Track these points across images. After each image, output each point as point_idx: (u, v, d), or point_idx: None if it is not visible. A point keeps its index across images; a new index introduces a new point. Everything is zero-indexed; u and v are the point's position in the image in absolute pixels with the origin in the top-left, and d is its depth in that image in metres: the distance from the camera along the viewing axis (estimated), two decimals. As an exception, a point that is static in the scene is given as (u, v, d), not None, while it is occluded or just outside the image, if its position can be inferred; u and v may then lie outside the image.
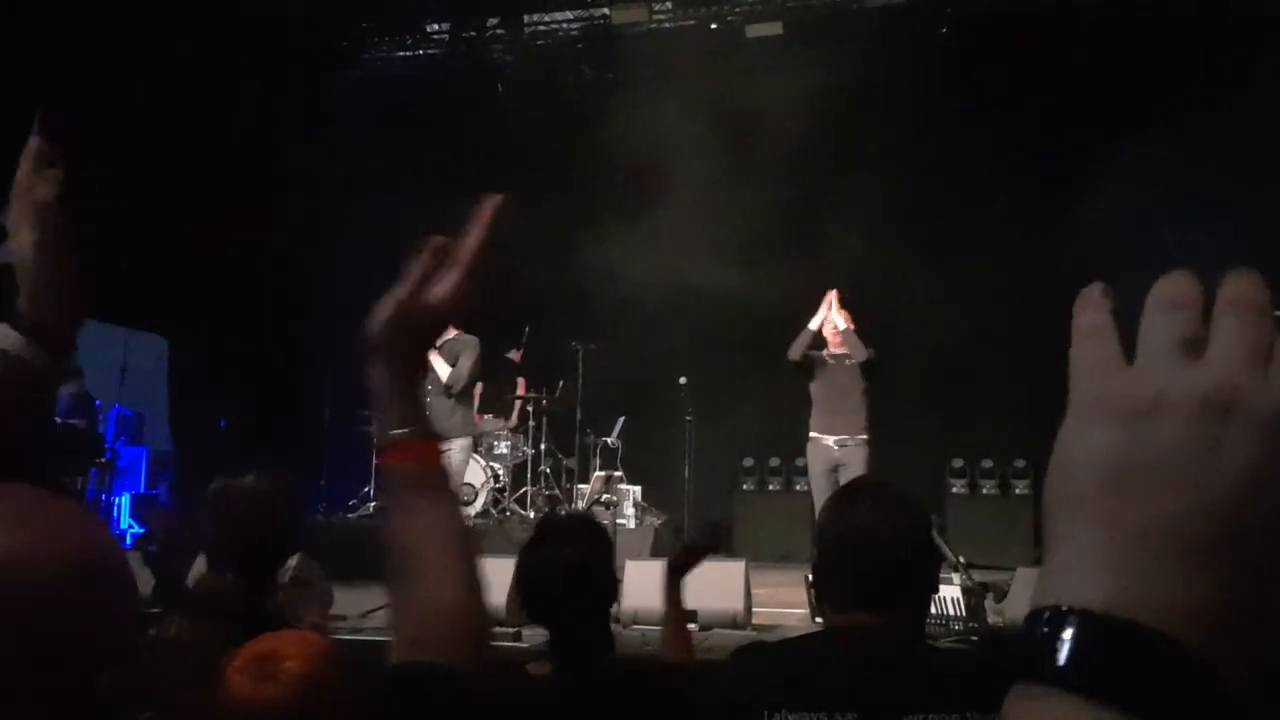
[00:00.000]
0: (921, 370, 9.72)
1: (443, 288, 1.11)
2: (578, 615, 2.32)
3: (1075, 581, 0.45)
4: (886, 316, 9.39)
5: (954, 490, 9.90)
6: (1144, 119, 8.34)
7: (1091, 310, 0.51)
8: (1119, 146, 8.39)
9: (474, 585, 1.08)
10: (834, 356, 7.56)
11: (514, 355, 9.88)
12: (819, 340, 7.65)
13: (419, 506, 1.09)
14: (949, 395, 9.97)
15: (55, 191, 1.28)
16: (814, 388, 7.58)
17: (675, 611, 2.83)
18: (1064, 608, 0.44)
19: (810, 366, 7.56)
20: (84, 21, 8.36)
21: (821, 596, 1.96)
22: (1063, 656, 0.43)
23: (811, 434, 7.57)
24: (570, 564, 2.33)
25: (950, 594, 5.84)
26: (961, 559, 6.41)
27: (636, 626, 5.78)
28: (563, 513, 8.77)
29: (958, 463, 9.95)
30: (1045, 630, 0.44)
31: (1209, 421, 0.45)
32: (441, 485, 1.13)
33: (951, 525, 9.21)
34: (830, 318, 7.59)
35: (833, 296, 7.67)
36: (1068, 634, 0.44)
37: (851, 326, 7.59)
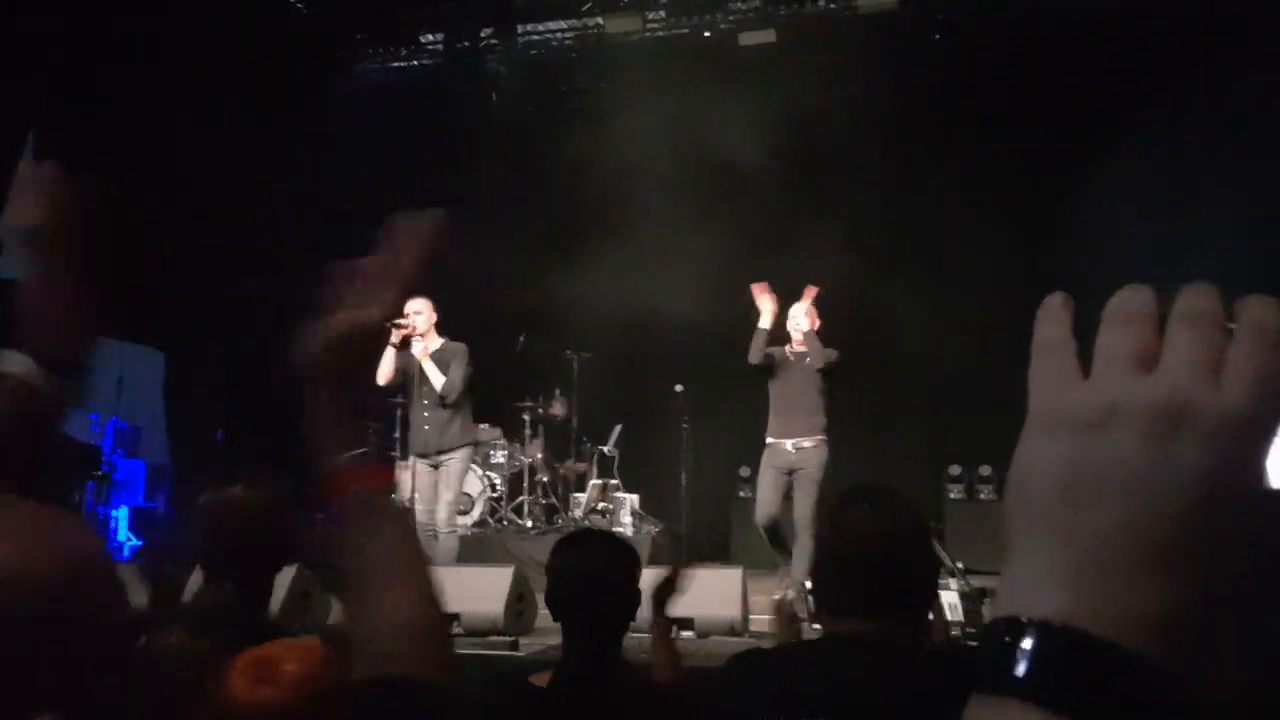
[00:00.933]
0: (919, 377, 9.73)
1: (379, 309, 1.10)
2: (602, 626, 2.35)
3: (1033, 592, 0.46)
4: (882, 323, 9.40)
5: (952, 496, 9.90)
6: (1139, 124, 8.36)
7: (1050, 324, 0.52)
8: (1114, 151, 8.41)
9: (432, 599, 1.08)
10: (795, 354, 7.29)
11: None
12: (782, 336, 7.39)
13: (374, 529, 1.08)
14: (947, 401, 9.97)
15: (63, 215, 1.26)
16: (772, 387, 7.32)
17: (662, 634, 2.89)
18: (1022, 619, 0.45)
19: (771, 364, 7.30)
20: (74, 31, 8.37)
21: (819, 603, 1.96)
22: (1021, 667, 0.44)
23: (768, 439, 7.28)
24: (605, 575, 2.38)
25: (948, 599, 5.83)
26: (959, 564, 6.40)
27: (634, 634, 5.76)
28: (573, 525, 8.78)
29: (955, 469, 9.95)
30: (1004, 641, 0.45)
31: (1159, 432, 0.45)
32: (393, 504, 1.13)
33: (949, 531, 9.20)
34: (795, 316, 7.33)
35: (809, 295, 7.43)
36: (1026, 645, 0.44)
37: (816, 326, 7.31)
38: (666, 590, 2.85)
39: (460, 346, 7.47)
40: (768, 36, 10.82)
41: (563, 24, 11.46)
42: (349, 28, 11.47)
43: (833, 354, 7.22)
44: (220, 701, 1.64)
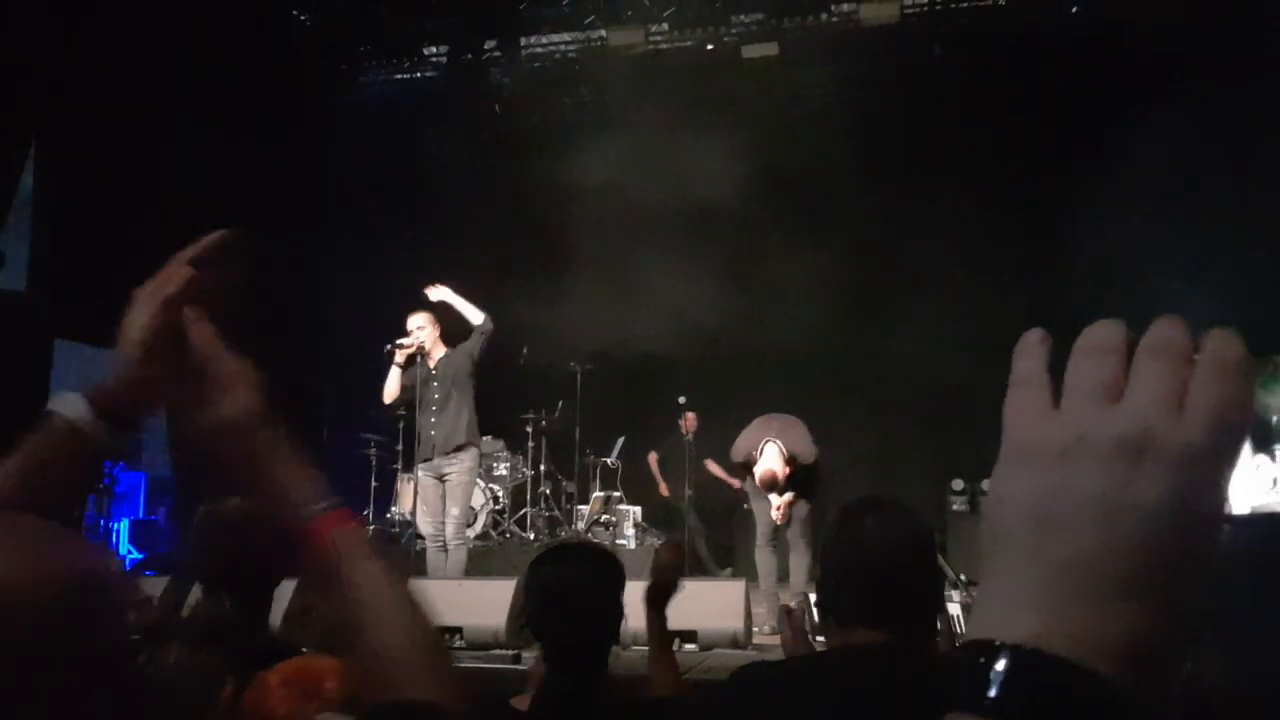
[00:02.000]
0: (923, 391, 9.71)
1: (233, 403, 1.08)
2: (579, 640, 2.30)
3: (1005, 616, 0.48)
4: (885, 337, 9.40)
5: (955, 508, 9.89)
6: (1145, 137, 8.37)
7: (1026, 359, 0.54)
8: (1120, 164, 8.41)
9: (427, 629, 1.08)
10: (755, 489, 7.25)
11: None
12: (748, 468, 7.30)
13: (352, 574, 1.08)
14: (950, 416, 9.95)
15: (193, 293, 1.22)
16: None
17: (658, 639, 2.80)
18: (995, 642, 0.47)
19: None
20: (74, 41, 8.39)
21: (826, 615, 1.94)
22: (994, 689, 0.46)
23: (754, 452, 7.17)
24: (581, 587, 2.33)
25: (952, 611, 5.81)
26: (963, 576, 6.38)
27: (637, 647, 5.74)
28: (575, 537, 8.76)
29: (958, 484, 9.95)
30: (978, 662, 0.47)
31: (1123, 462, 0.47)
32: (366, 544, 1.13)
33: (952, 543, 9.18)
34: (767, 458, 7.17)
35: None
36: (999, 667, 0.46)
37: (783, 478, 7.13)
38: (661, 593, 2.79)
39: (464, 344, 7.49)
40: (770, 50, 10.85)
41: (566, 36, 11.50)
42: (352, 40, 11.50)
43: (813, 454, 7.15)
44: (263, 715, 1.65)
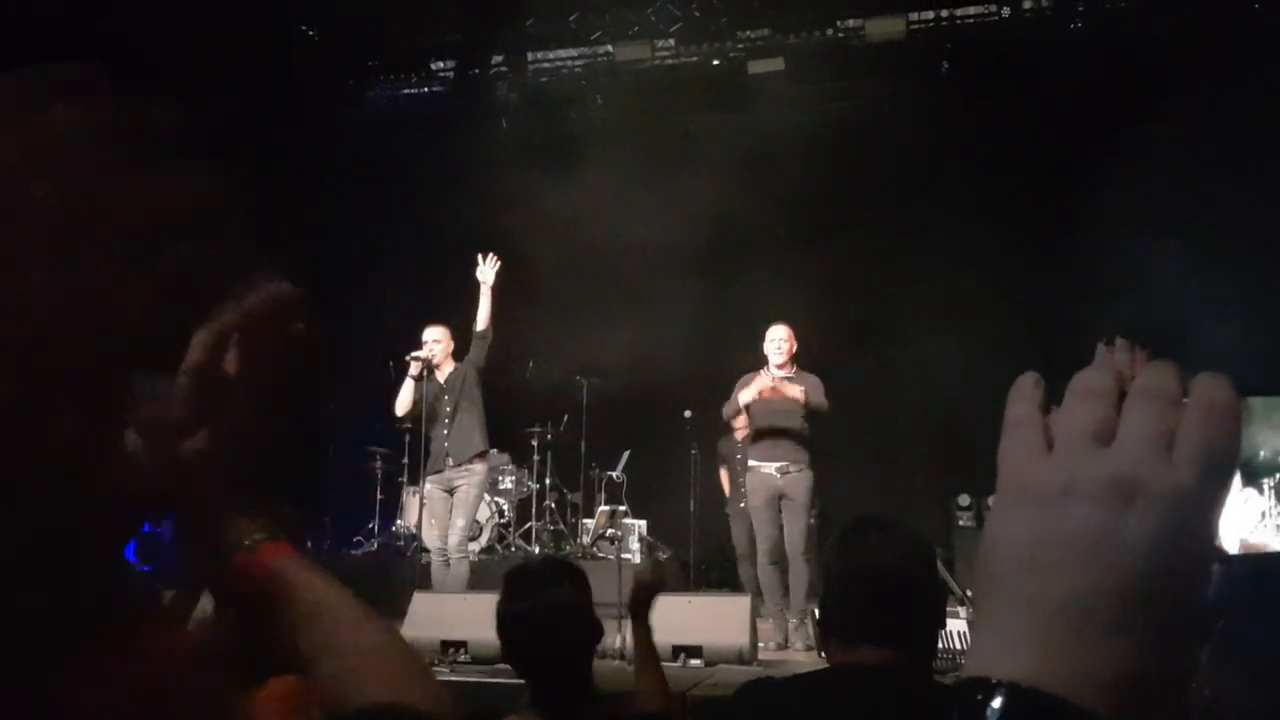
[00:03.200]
0: (929, 406, 9.71)
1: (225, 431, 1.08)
2: (553, 664, 2.29)
3: (1001, 655, 0.48)
4: (891, 351, 9.40)
5: (961, 524, 9.86)
6: (1154, 153, 8.38)
7: (1019, 403, 0.55)
8: (1129, 179, 8.43)
9: (387, 638, 1.08)
10: (774, 378, 7.14)
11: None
12: (761, 359, 7.30)
13: (300, 596, 1.08)
14: (956, 431, 9.94)
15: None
16: (750, 416, 7.19)
17: (644, 652, 2.78)
18: (992, 680, 0.47)
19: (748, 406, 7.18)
20: (79, 55, 8.42)
21: (828, 632, 1.95)
22: None
23: (750, 462, 7.16)
24: (541, 614, 2.30)
25: (956, 628, 5.80)
26: (968, 592, 6.36)
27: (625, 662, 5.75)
28: (537, 558, 8.74)
29: (964, 499, 9.92)
30: (975, 700, 0.47)
31: (1114, 503, 0.48)
32: (308, 568, 1.12)
33: (959, 559, 9.16)
34: (775, 341, 7.21)
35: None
36: (995, 704, 0.47)
37: (794, 350, 7.19)
38: (642, 600, 2.77)
39: (468, 367, 7.48)
40: (776, 65, 10.88)
41: (573, 52, 11.55)
42: (361, 55, 11.56)
43: (823, 404, 7.09)
44: None
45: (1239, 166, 8.76)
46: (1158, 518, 0.47)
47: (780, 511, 7.05)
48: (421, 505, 7.73)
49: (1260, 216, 8.78)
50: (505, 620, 2.38)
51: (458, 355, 7.54)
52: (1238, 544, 8.34)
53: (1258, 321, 8.53)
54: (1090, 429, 0.50)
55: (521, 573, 2.54)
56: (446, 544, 7.35)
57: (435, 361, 7.41)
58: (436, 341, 7.42)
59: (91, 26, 8.43)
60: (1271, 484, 8.71)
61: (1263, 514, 8.68)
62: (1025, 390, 0.55)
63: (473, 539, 9.53)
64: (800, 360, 7.30)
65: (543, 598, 2.36)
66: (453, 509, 7.38)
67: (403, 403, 7.44)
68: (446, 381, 7.47)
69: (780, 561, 7.03)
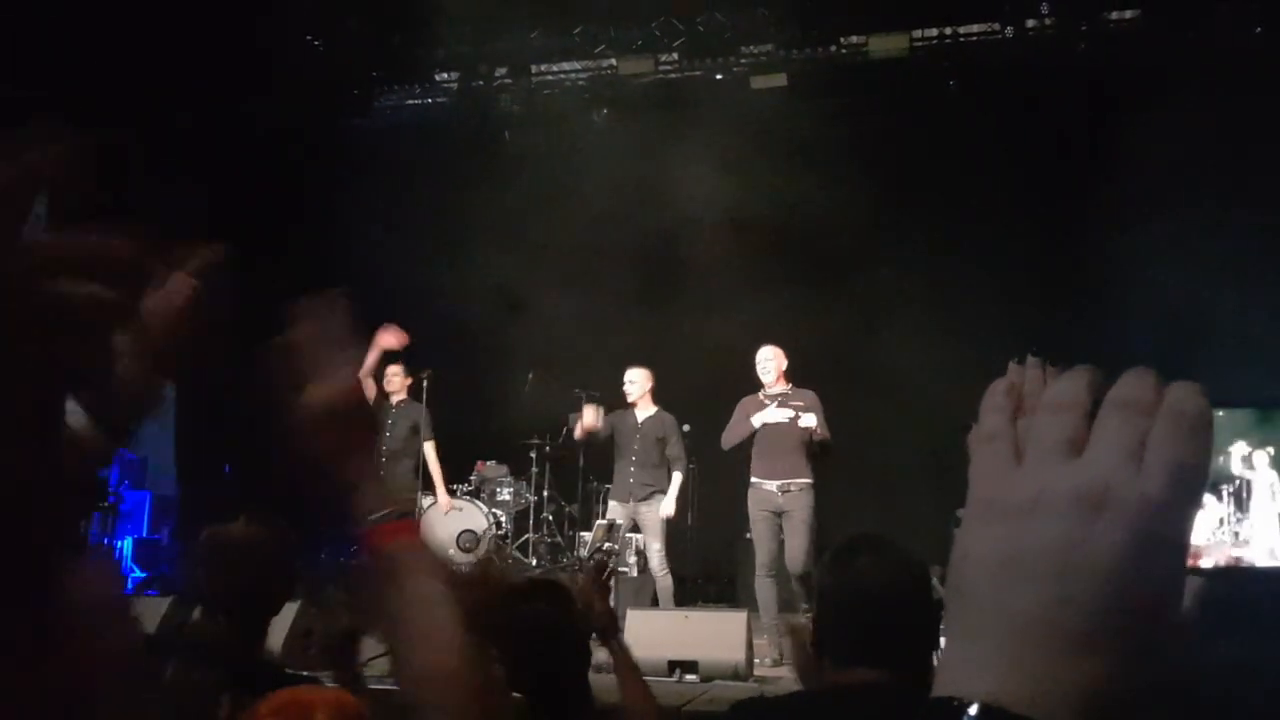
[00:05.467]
0: (927, 420, 9.69)
1: (344, 372, 1.12)
2: (545, 682, 2.29)
3: (969, 672, 0.48)
4: (889, 366, 9.39)
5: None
6: (1159, 171, 8.40)
7: (991, 414, 0.54)
8: (1133, 199, 8.44)
9: (467, 651, 1.08)
10: (770, 398, 7.24)
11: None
12: (756, 381, 7.44)
13: (409, 582, 1.09)
14: (954, 445, 9.91)
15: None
16: (755, 434, 7.26)
17: (624, 668, 2.75)
18: (961, 698, 0.47)
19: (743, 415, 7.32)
20: (86, 67, 8.47)
21: (822, 652, 1.94)
22: None
23: (752, 479, 7.24)
24: (546, 634, 2.30)
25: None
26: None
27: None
28: (525, 577, 8.73)
29: (962, 514, 9.90)
30: (943, 718, 0.47)
31: (1082, 516, 0.47)
32: (424, 560, 1.12)
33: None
34: (763, 363, 7.40)
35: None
36: None
37: (784, 367, 7.38)
38: (602, 623, 2.73)
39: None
40: (779, 81, 10.90)
41: (576, 65, 11.57)
42: (365, 66, 11.59)
43: (823, 424, 7.17)
44: None
45: (1243, 183, 8.76)
46: (1126, 529, 0.47)
47: (780, 528, 7.06)
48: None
49: (1262, 227, 8.79)
50: (494, 637, 2.38)
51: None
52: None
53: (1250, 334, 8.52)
54: (1061, 441, 0.50)
55: (523, 588, 2.56)
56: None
57: (631, 400, 8.18)
58: (632, 383, 8.16)
59: (95, 38, 8.45)
60: (1230, 490, 8.74)
61: (1220, 520, 8.69)
62: (996, 400, 0.55)
63: (469, 550, 9.53)
64: (792, 376, 7.38)
65: (521, 617, 2.35)
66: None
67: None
68: (643, 423, 8.09)
69: (778, 575, 7.02)
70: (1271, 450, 8.74)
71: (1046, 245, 9.80)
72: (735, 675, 5.93)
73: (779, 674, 6.48)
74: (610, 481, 9.88)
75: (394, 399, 8.37)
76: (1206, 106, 8.60)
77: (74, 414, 1.17)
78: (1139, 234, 8.49)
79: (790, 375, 7.39)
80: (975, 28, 10.70)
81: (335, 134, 11.38)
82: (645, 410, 8.14)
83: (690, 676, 5.87)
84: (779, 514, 7.06)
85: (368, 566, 1.11)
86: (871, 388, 9.60)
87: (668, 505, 7.96)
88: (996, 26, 10.57)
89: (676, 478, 8.03)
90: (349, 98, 11.81)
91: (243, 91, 9.67)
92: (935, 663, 2.37)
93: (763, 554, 7.08)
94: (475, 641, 1.09)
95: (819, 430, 7.08)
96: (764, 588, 7.04)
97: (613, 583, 8.27)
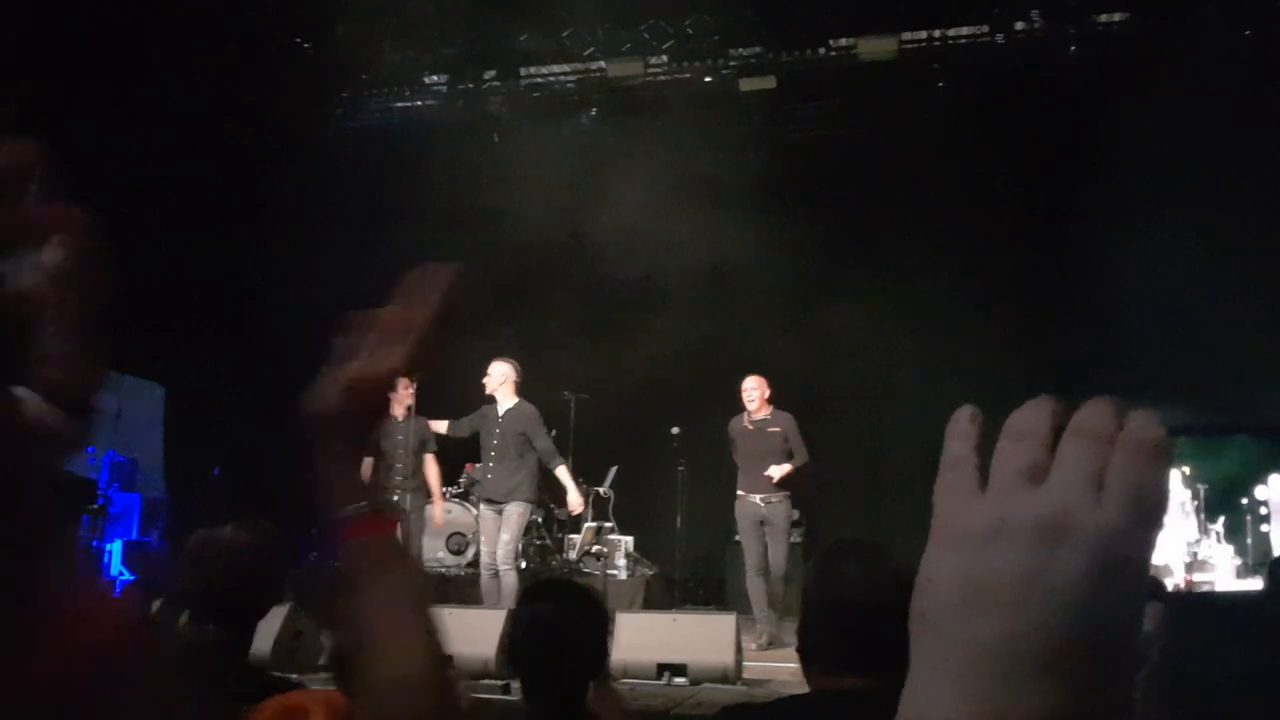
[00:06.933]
0: (919, 430, 9.72)
1: (391, 360, 1.09)
2: (557, 681, 2.30)
3: (932, 699, 0.48)
4: (882, 373, 9.41)
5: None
6: (1150, 177, 8.43)
7: (955, 440, 0.54)
8: (1125, 202, 8.47)
9: (436, 657, 1.07)
10: (754, 423, 7.96)
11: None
12: (739, 405, 8.09)
13: (377, 582, 1.08)
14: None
15: (77, 249, 1.22)
16: (737, 454, 8.05)
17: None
18: None
19: (733, 439, 8.07)
20: (79, 67, 8.44)
21: (808, 659, 1.94)
22: None
23: (738, 492, 7.99)
24: (564, 623, 2.32)
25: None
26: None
27: (626, 680, 5.73)
28: (563, 574, 8.76)
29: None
30: None
31: (1042, 543, 0.48)
32: (400, 557, 1.12)
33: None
34: (748, 391, 8.03)
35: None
36: None
37: (767, 395, 7.99)
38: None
39: (531, 409, 8.00)
40: (768, 83, 10.92)
41: (565, 67, 11.57)
42: (354, 68, 11.57)
43: (800, 444, 7.92)
44: None
45: (1236, 184, 8.79)
46: (1086, 558, 0.47)
47: (765, 535, 7.86)
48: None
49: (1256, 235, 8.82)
50: (524, 623, 2.40)
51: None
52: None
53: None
54: (1023, 468, 0.50)
55: (546, 585, 2.58)
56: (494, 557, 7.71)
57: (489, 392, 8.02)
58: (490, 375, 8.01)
59: (88, 41, 8.44)
60: (1192, 507, 8.84)
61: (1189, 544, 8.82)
62: (961, 426, 0.55)
63: (459, 552, 9.52)
64: (775, 400, 8.03)
65: (562, 611, 2.38)
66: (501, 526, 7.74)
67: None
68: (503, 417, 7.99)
69: (765, 574, 7.81)
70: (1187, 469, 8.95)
71: (1039, 251, 9.83)
72: (724, 678, 5.93)
73: (768, 677, 6.49)
74: (598, 485, 9.93)
75: (398, 411, 8.15)
76: (1201, 109, 8.63)
77: (25, 399, 1.16)
78: (1128, 236, 8.51)
79: (773, 400, 8.02)
80: (964, 30, 10.72)
81: (323, 137, 11.36)
82: (506, 403, 7.95)
83: (679, 679, 5.88)
84: (763, 522, 7.85)
85: (343, 566, 1.11)
86: (860, 396, 9.64)
87: (573, 499, 8.09)
88: (986, 29, 10.60)
89: (561, 473, 7.99)
90: (337, 100, 11.79)
91: (229, 94, 9.64)
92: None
93: (751, 557, 7.85)
94: (439, 654, 1.08)
95: (795, 461, 7.84)
96: (755, 586, 7.80)
97: (605, 584, 8.31)
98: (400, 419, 8.06)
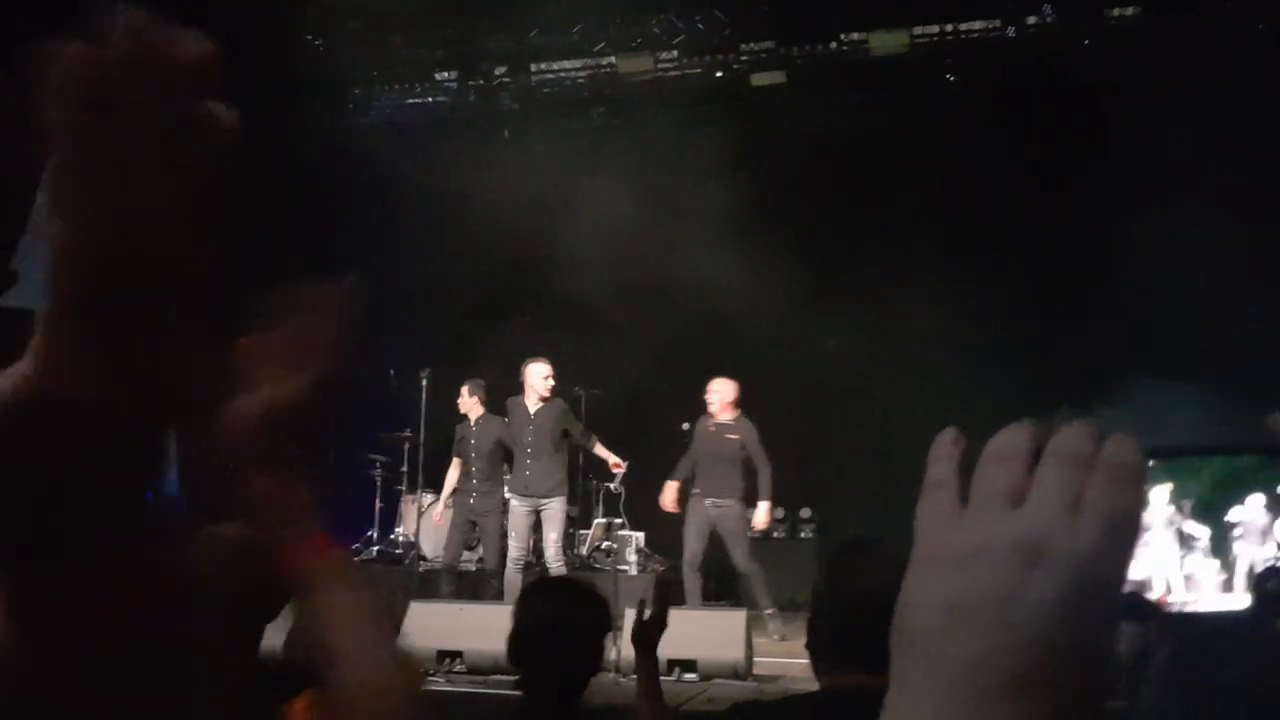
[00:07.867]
0: (926, 430, 9.67)
1: (297, 385, 1.04)
2: (562, 678, 2.30)
3: (909, 717, 0.50)
4: (893, 373, 9.40)
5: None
6: (1158, 170, 8.38)
7: (937, 464, 0.55)
8: (1133, 200, 8.42)
9: (399, 664, 1.07)
10: (716, 425, 8.01)
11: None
12: (703, 405, 8.25)
13: (324, 605, 1.07)
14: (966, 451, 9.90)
15: None
16: (695, 453, 8.14)
17: (648, 687, 2.69)
18: None
19: (694, 436, 8.18)
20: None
21: (818, 657, 1.94)
22: None
23: (693, 490, 8.09)
24: (568, 626, 2.33)
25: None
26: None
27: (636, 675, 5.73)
28: (574, 569, 8.77)
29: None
30: None
31: (1020, 565, 0.49)
32: (345, 575, 1.11)
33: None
34: (716, 390, 8.21)
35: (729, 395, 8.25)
36: None
37: (735, 396, 8.18)
38: (651, 630, 2.76)
39: (560, 403, 8.38)
40: (779, 78, 10.90)
41: (576, 63, 11.56)
42: (364, 64, 11.58)
43: (760, 451, 8.07)
44: None
45: (1249, 183, 8.73)
46: (1062, 579, 0.48)
47: (708, 536, 8.02)
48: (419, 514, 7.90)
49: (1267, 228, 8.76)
50: (521, 620, 2.40)
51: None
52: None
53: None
54: (1002, 491, 0.51)
55: (546, 584, 2.59)
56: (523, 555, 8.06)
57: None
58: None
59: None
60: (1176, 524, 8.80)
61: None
62: (943, 449, 0.56)
63: (471, 548, 9.55)
64: (741, 404, 8.18)
65: (561, 609, 2.39)
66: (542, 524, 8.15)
67: None
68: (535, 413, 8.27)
69: (702, 569, 8.06)
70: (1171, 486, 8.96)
71: (1050, 247, 9.79)
72: (734, 674, 5.94)
73: (779, 673, 6.49)
74: (608, 481, 9.94)
75: (472, 416, 8.51)
76: (1215, 104, 8.58)
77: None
78: (1142, 231, 8.45)
79: (739, 402, 8.19)
80: (976, 24, 10.68)
81: (334, 133, 11.38)
82: (535, 402, 8.29)
83: (689, 675, 5.88)
84: (711, 524, 8.00)
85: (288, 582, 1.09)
86: (869, 394, 9.63)
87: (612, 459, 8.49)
88: (998, 23, 10.56)
89: (599, 449, 8.47)
90: (348, 96, 11.81)
91: (239, 90, 9.64)
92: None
93: (688, 551, 8.03)
94: (403, 663, 1.08)
95: (760, 478, 8.00)
96: (690, 579, 7.95)
97: (615, 580, 8.35)
98: (473, 423, 8.32)
